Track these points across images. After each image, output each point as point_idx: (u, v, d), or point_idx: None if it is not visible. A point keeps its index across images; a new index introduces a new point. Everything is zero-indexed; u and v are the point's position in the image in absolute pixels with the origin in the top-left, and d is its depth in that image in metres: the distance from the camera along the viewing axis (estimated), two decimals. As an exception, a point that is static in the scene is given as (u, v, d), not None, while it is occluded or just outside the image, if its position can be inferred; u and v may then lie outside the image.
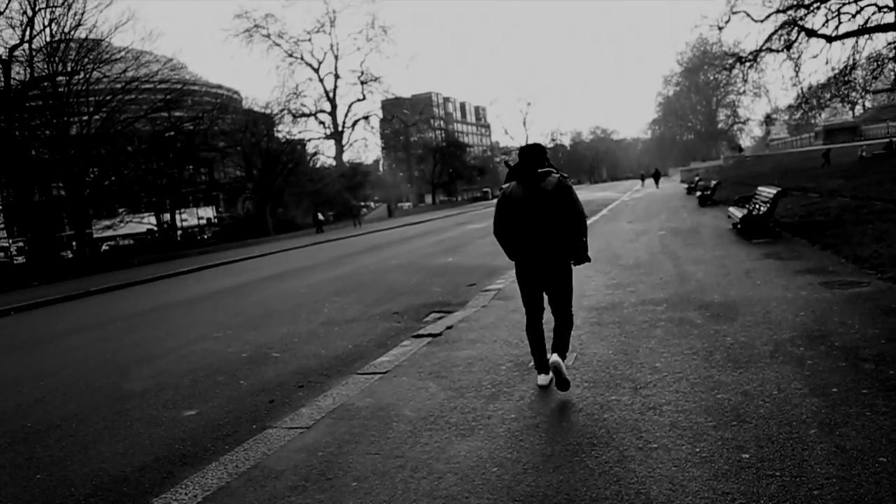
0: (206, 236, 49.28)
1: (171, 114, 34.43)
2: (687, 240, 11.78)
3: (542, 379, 4.34)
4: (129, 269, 23.32)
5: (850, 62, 30.68)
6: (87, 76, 29.83)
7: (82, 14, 29.27)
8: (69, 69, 29.19)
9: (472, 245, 16.60)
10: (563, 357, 4.12)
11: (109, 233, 52.42)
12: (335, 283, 11.96)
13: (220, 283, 14.73)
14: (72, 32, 29.36)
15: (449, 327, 6.65)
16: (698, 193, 22.65)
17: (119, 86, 29.03)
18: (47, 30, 29.11)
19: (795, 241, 9.85)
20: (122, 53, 31.29)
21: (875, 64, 31.69)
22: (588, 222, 4.49)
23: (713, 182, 22.29)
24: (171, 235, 48.66)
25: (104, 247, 54.23)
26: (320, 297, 10.36)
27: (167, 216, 51.67)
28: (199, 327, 8.86)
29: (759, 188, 12.20)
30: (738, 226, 11.77)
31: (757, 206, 10.90)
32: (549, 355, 4.15)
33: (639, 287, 7.57)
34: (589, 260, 4.32)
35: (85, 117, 30.67)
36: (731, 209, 12.46)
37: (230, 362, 6.58)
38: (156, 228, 49.07)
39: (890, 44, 30.59)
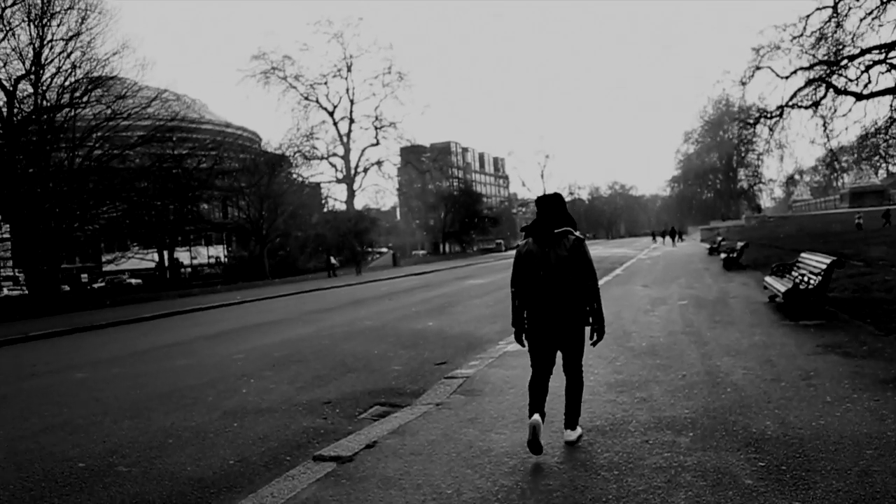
0: (204, 276, 47.76)
1: (165, 149, 33.06)
2: (714, 314, 9.57)
3: (534, 419, 3.96)
4: (96, 310, 21.46)
5: (877, 125, 28.76)
6: (97, 111, 28.68)
7: (89, 47, 28.22)
8: (74, 101, 28.06)
9: (463, 305, 14.48)
10: (575, 426, 4.19)
11: (111, 267, 51.45)
12: (283, 348, 9.87)
13: (160, 338, 12.67)
14: (81, 66, 28.29)
15: (370, 445, 4.52)
16: (723, 255, 20.45)
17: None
18: (56, 61, 28.12)
19: (857, 326, 7.63)
20: (133, 89, 30.28)
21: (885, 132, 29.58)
22: (599, 283, 4.21)
23: (740, 244, 20.10)
24: (172, 273, 47.26)
25: (100, 282, 53.16)
26: (251, 369, 8.27)
27: (178, 252, 50.65)
28: (70, 408, 6.79)
29: (804, 255, 10.03)
30: (778, 299, 9.59)
31: (804, 278, 8.72)
32: (563, 433, 4.24)
33: (653, 391, 5.39)
34: (603, 334, 4.11)
35: (81, 152, 29.43)
36: (769, 279, 10.28)
37: (52, 478, 4.51)
38: (154, 266, 47.87)
39: None
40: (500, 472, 3.80)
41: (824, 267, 8.28)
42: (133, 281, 54.29)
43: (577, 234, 4.05)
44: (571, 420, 4.19)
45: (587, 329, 4.11)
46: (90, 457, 5.00)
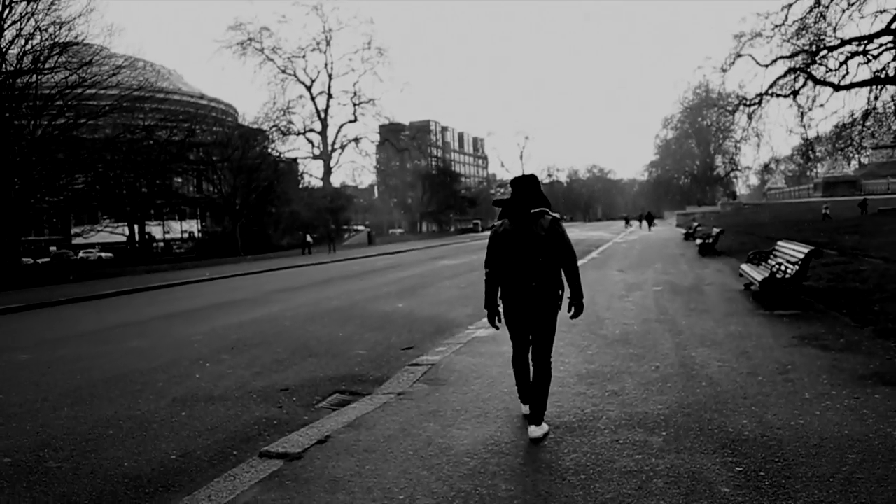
0: (177, 251, 46.77)
1: (135, 120, 31.94)
2: (690, 302, 9.38)
3: (526, 409, 4.24)
4: (57, 285, 20.69)
5: (854, 116, 28.85)
6: (60, 78, 27.39)
7: (53, 9, 26.81)
8: (38, 67, 26.76)
9: (435, 287, 14.16)
10: (540, 421, 4.01)
11: (80, 240, 50.07)
12: (244, 329, 9.47)
13: (116, 316, 12.16)
14: (46, 29, 26.92)
15: (322, 440, 4.20)
16: (698, 241, 20.41)
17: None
18: (15, 26, 26.71)
19: (833, 317, 7.47)
20: (101, 55, 29.00)
21: (872, 120, 29.73)
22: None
23: (715, 230, 20.05)
24: (143, 248, 46.18)
25: (79, 255, 51.81)
26: (208, 352, 7.87)
27: (150, 226, 49.41)
28: (6, 394, 6.33)
29: (780, 243, 9.87)
30: (752, 287, 9.44)
31: (781, 267, 8.54)
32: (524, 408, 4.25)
33: (625, 384, 5.14)
34: (582, 309, 4.11)
35: (44, 120, 28.21)
36: (745, 267, 10.11)
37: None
38: (126, 240, 46.72)
39: (893, 99, 28.75)
40: (458, 474, 3.50)
41: (801, 257, 8.10)
42: (103, 254, 53.08)
43: (554, 214, 4.00)
44: (537, 415, 4.02)
45: (559, 313, 4.04)
46: (19, 450, 4.60)
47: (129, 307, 13.77)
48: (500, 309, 4.13)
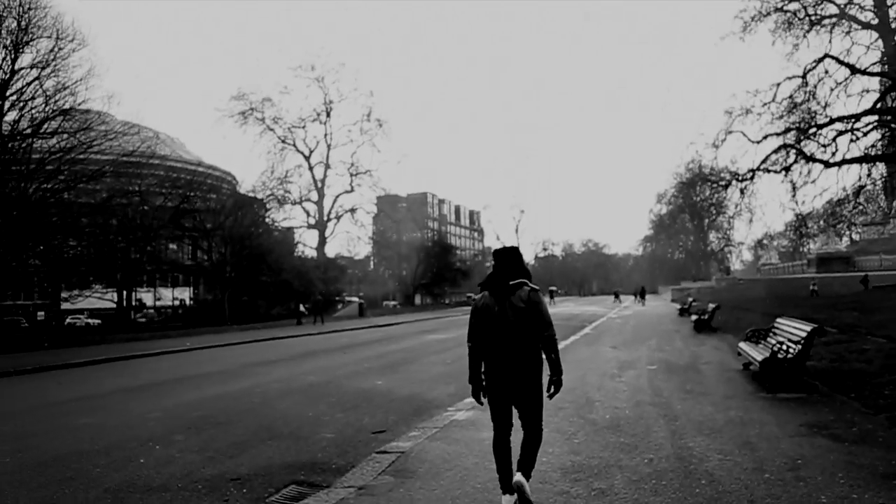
0: (157, 320, 45.98)
1: (129, 185, 31.94)
2: (686, 383, 8.78)
3: (507, 500, 3.92)
4: (29, 352, 19.83)
5: (846, 192, 29.05)
6: (54, 142, 27.50)
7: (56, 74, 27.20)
8: (37, 131, 26.87)
9: (420, 363, 13.50)
10: (529, 476, 3.89)
11: (67, 306, 49.18)
12: (207, 406, 8.78)
13: (74, 389, 11.29)
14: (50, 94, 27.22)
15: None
16: (693, 317, 19.90)
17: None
18: (28, 89, 27.00)
19: (841, 402, 6.89)
20: (96, 121, 29.28)
21: (864, 197, 29.89)
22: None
23: (711, 305, 19.56)
24: (127, 315, 45.31)
25: (66, 321, 50.82)
26: (161, 432, 7.18)
27: (141, 293, 48.79)
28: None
29: (780, 321, 9.37)
30: (752, 367, 8.88)
31: (783, 346, 8.00)
32: (514, 474, 3.88)
33: (614, 480, 4.52)
34: (560, 386, 3.94)
35: (35, 183, 28.12)
36: (743, 346, 9.57)
37: None
38: (115, 306, 45.94)
39: (882, 177, 29.04)
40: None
41: (804, 335, 7.60)
42: (91, 321, 52.17)
43: (533, 285, 3.98)
44: (526, 467, 3.90)
45: (545, 382, 3.96)
46: None
47: (93, 378, 13.00)
48: (485, 384, 4.02)
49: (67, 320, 51.93)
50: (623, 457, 5.12)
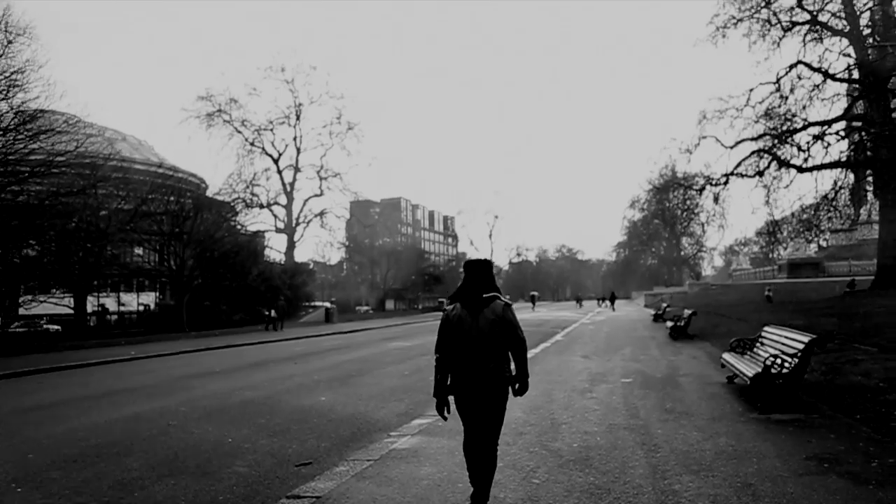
0: (115, 324, 44.00)
1: (76, 187, 30.15)
2: (665, 400, 7.74)
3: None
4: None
5: (826, 195, 28.67)
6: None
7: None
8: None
9: (374, 374, 12.29)
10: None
11: (23, 311, 46.73)
12: (110, 430, 7.47)
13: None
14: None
15: None
16: (669, 323, 19.03)
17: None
18: None
19: (847, 425, 5.90)
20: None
21: (834, 203, 29.48)
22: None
23: (687, 311, 18.71)
24: (84, 322, 43.20)
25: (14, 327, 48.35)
26: (34, 468, 5.88)
27: (104, 298, 46.54)
28: None
29: (769, 329, 8.40)
30: (738, 380, 7.89)
31: (776, 360, 6.98)
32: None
33: (580, 547, 3.41)
34: (526, 388, 3.96)
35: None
36: (728, 357, 8.57)
37: None
38: (73, 312, 43.79)
39: (850, 185, 28.72)
40: None
41: (801, 347, 6.60)
42: (51, 327, 49.86)
43: (506, 300, 3.95)
44: (481, 499, 3.94)
45: (509, 395, 3.94)
46: None
47: (2, 395, 11.49)
48: (451, 398, 3.95)
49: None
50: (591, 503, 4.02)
